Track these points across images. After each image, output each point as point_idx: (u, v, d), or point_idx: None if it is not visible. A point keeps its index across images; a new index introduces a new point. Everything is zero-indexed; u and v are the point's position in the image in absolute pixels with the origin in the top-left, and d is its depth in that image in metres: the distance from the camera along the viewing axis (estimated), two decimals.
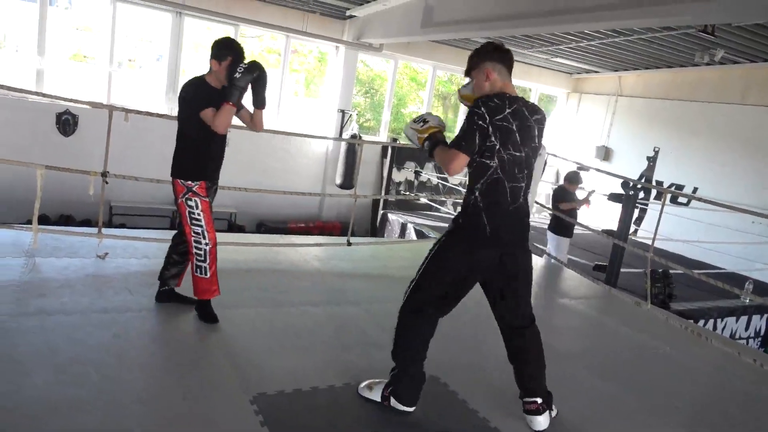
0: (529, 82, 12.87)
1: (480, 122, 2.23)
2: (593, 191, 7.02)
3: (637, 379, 3.39)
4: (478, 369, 3.16)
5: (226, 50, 3.08)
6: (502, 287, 2.44)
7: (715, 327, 6.84)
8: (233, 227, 9.76)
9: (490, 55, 2.38)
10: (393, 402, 2.52)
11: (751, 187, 9.50)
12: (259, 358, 2.93)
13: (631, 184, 8.43)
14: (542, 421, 2.52)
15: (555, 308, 4.78)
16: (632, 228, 9.37)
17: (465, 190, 2.43)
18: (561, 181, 7.45)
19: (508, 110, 2.26)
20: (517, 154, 2.31)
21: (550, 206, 6.99)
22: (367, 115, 12.17)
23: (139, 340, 2.97)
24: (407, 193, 11.36)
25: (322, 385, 2.71)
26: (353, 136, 9.79)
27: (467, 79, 2.50)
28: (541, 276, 5.67)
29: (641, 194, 10.28)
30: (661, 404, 3.08)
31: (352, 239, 5.31)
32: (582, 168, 11.51)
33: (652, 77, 11.41)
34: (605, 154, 12.32)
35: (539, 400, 2.52)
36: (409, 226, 9.39)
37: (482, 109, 2.24)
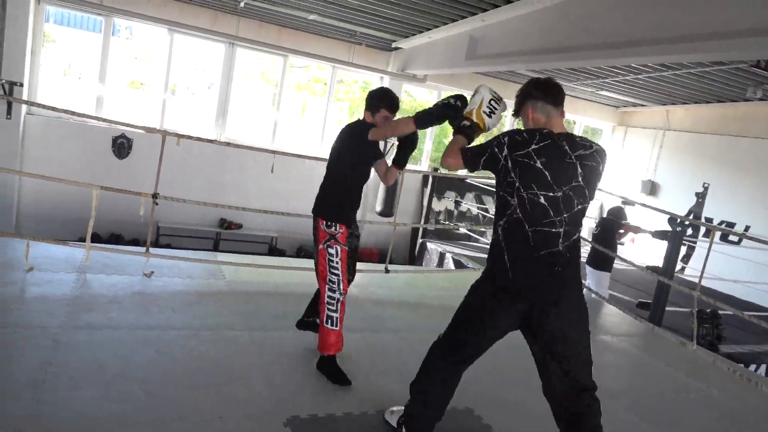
0: (574, 115, 12.77)
1: (496, 150, 2.12)
2: (653, 232, 6.80)
3: (682, 422, 3.26)
4: (519, 405, 3.10)
5: (378, 101, 3.03)
6: (538, 349, 2.18)
7: (767, 372, 6.50)
8: (273, 251, 9.93)
9: (531, 94, 2.25)
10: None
11: None
12: (295, 382, 2.97)
13: (678, 220, 8.19)
14: None
15: (595, 345, 4.63)
16: (679, 265, 9.09)
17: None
18: (606, 215, 7.31)
19: (533, 146, 2.07)
20: (550, 194, 2.07)
21: (590, 240, 6.86)
22: None
23: (182, 358, 3.06)
24: (447, 222, 11.35)
25: (355, 411, 2.72)
26: None
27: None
28: (593, 315, 5.54)
29: (689, 231, 10.01)
30: None
31: (390, 267, 5.34)
32: (627, 203, 11.27)
33: (701, 111, 11.16)
34: (651, 188, 12.03)
35: None
36: (448, 255, 9.35)
37: (505, 138, 2.12)
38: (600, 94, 11.60)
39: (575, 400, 2.13)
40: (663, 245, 6.08)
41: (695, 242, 9.00)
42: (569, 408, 2.15)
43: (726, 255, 9.36)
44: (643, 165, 12.40)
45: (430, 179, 10.60)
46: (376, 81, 10.78)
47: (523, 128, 2.24)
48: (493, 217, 2.38)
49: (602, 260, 6.58)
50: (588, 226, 12.08)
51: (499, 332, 2.25)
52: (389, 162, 3.22)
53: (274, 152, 5.35)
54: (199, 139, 5.28)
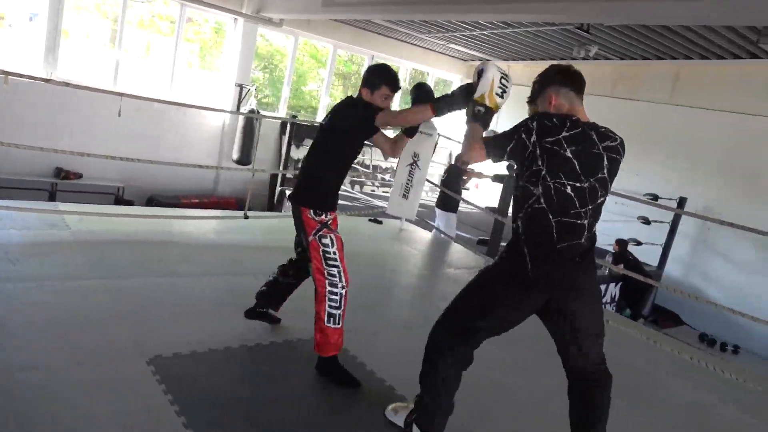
0: (426, 66, 13.33)
1: (524, 137, 1.98)
2: (490, 176, 7.56)
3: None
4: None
5: (378, 78, 2.70)
6: (557, 331, 2.13)
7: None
8: (120, 202, 9.30)
9: (553, 79, 2.15)
10: (415, 430, 2.30)
11: (625, 172, 10.57)
12: (155, 325, 2.97)
13: (515, 166, 9.10)
14: None
15: (442, 277, 5.19)
16: None
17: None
18: (453, 162, 7.92)
19: (564, 133, 1.97)
20: (577, 185, 1.99)
21: (438, 185, 7.43)
22: (266, 91, 12.00)
23: (27, 310, 2.89)
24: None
25: (219, 347, 2.82)
26: (251, 112, 9.66)
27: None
28: (431, 249, 6.05)
29: None
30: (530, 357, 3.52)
31: (250, 213, 5.36)
32: None
33: (537, 68, 12.13)
34: None
35: None
36: None
37: (533, 124, 1.99)
38: (450, 47, 12.21)
39: (591, 375, 2.15)
40: (500, 188, 6.80)
41: None
42: (585, 382, 2.16)
43: None
44: None
45: (288, 126, 10.53)
46: (229, 22, 10.29)
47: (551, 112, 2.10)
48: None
49: (449, 203, 7.20)
50: (438, 173, 12.86)
51: (517, 319, 2.16)
52: (391, 133, 2.96)
53: (121, 95, 4.99)
54: (32, 78, 4.76)
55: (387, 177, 11.99)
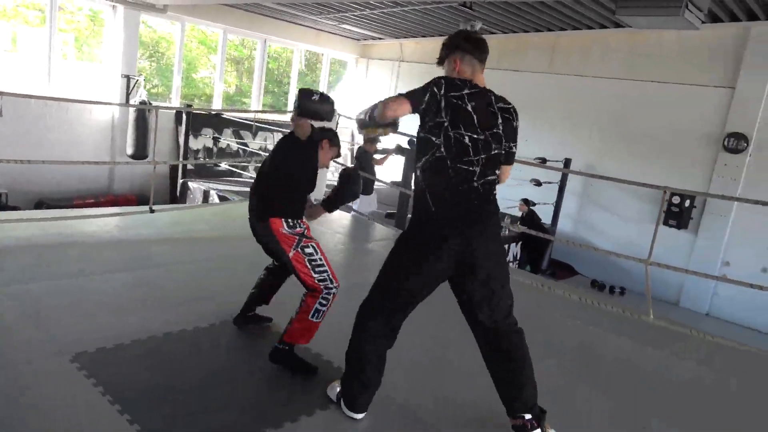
0: (320, 47, 13.33)
1: (435, 89, 2.16)
2: (393, 149, 7.82)
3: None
4: None
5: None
6: (464, 282, 2.23)
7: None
8: (4, 209, 8.61)
9: (459, 46, 2.31)
10: (343, 407, 2.39)
11: None
12: (71, 324, 2.91)
13: (415, 140, 9.43)
14: None
15: (359, 251, 5.41)
16: None
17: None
18: (357, 142, 8.10)
19: (466, 91, 2.18)
20: (473, 136, 2.18)
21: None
22: (154, 80, 11.48)
23: None
24: (207, 159, 11.13)
25: (142, 337, 2.83)
26: (143, 103, 9.25)
27: None
28: (349, 228, 6.23)
29: None
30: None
31: (155, 207, 5.23)
32: None
33: (428, 44, 12.66)
34: None
35: (527, 416, 2.26)
36: (212, 192, 9.31)
37: (442, 80, 2.19)
38: (343, 28, 12.29)
39: (500, 332, 2.26)
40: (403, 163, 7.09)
41: None
42: (495, 341, 2.26)
43: None
44: (385, 93, 13.68)
45: (184, 117, 10.19)
46: (107, 9, 9.70)
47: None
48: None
49: (364, 185, 7.43)
50: (344, 153, 12.87)
51: (432, 278, 2.24)
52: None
53: (1, 93, 4.63)
54: None
55: None
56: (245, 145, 11.41)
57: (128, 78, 9.71)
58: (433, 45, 12.83)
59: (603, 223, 10.19)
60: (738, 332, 7.47)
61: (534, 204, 9.80)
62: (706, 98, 9.09)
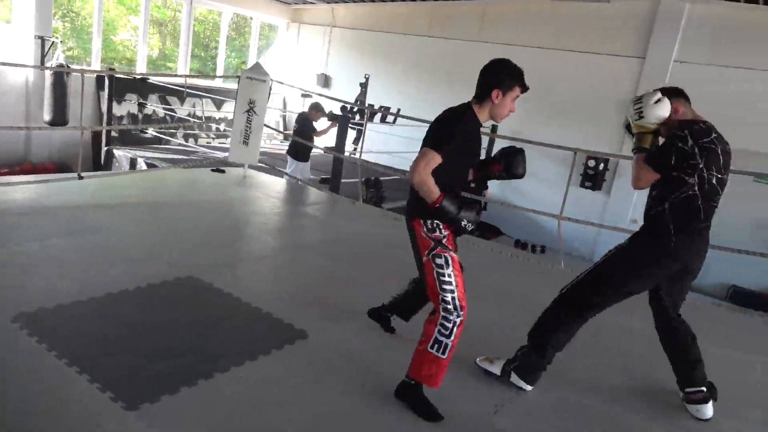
0: (248, 10, 13.00)
1: (680, 144, 2.30)
2: (337, 117, 7.85)
3: (354, 248, 4.33)
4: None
5: (512, 78, 2.45)
6: (677, 285, 2.54)
7: None
8: None
9: (675, 92, 2.48)
10: (513, 377, 2.62)
11: (439, 105, 11.54)
12: (8, 287, 2.91)
13: (349, 107, 9.55)
14: (710, 409, 2.60)
15: (296, 214, 5.56)
16: (353, 147, 10.67)
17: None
18: (289, 108, 8.11)
19: (714, 135, 2.34)
20: (719, 176, 2.37)
21: (291, 132, 7.62)
22: (69, 42, 10.86)
23: None
24: (132, 126, 10.75)
25: (83, 298, 2.88)
26: (60, 66, 8.78)
27: None
28: (278, 191, 6.31)
29: (357, 117, 11.68)
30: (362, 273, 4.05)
31: (84, 174, 5.12)
32: (306, 94, 12.35)
33: (359, 9, 12.64)
34: (325, 81, 13.40)
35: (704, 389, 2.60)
36: (140, 160, 9.07)
37: (684, 132, 2.32)
38: None
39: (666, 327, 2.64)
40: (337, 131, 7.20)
41: (362, 125, 10.61)
42: (674, 321, 2.62)
43: (386, 134, 11.36)
44: (317, 59, 13.60)
45: (107, 81, 9.77)
46: None
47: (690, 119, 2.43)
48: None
49: (302, 152, 7.49)
50: (275, 120, 12.84)
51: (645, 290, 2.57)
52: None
53: None
54: None
55: (222, 127, 11.75)
56: (173, 111, 11.09)
57: (42, 39, 9.16)
58: (365, 10, 12.83)
59: (527, 187, 10.73)
60: None
61: None
62: (620, 67, 9.71)
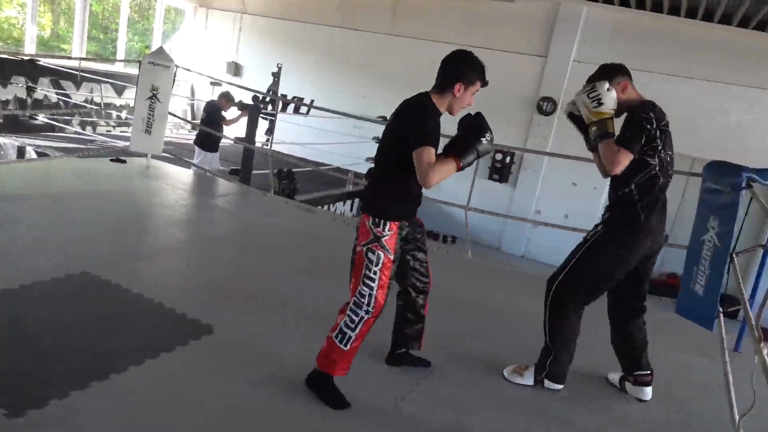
0: None
1: (648, 127, 2.38)
2: (247, 107, 7.59)
3: (268, 238, 4.26)
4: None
5: (474, 72, 2.32)
6: (642, 269, 2.63)
7: (329, 209, 8.50)
8: None
9: (622, 71, 2.55)
10: (547, 383, 2.69)
11: (352, 97, 11.58)
12: None
13: (261, 97, 9.32)
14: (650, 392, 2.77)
15: (204, 205, 5.36)
16: (265, 138, 10.44)
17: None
18: (197, 97, 7.78)
19: (666, 117, 2.45)
20: (671, 153, 2.52)
21: (198, 122, 7.29)
22: None
23: None
24: (20, 111, 9.87)
25: (14, 286, 2.63)
26: None
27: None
28: (184, 182, 6.05)
29: (270, 107, 11.44)
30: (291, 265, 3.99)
31: None
32: (215, 83, 11.92)
33: None
34: (236, 69, 12.98)
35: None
36: (29, 149, 8.36)
37: (651, 114, 2.39)
38: None
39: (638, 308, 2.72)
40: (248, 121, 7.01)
41: (275, 116, 10.40)
42: (634, 312, 2.71)
43: (299, 125, 11.21)
44: (227, 47, 13.15)
45: None
46: None
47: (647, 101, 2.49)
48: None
49: (210, 141, 7.18)
50: (182, 108, 12.30)
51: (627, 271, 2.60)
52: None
53: None
54: None
55: (124, 115, 11.07)
56: (67, 96, 10.30)
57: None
58: None
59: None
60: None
61: None
62: (525, 65, 10.17)
